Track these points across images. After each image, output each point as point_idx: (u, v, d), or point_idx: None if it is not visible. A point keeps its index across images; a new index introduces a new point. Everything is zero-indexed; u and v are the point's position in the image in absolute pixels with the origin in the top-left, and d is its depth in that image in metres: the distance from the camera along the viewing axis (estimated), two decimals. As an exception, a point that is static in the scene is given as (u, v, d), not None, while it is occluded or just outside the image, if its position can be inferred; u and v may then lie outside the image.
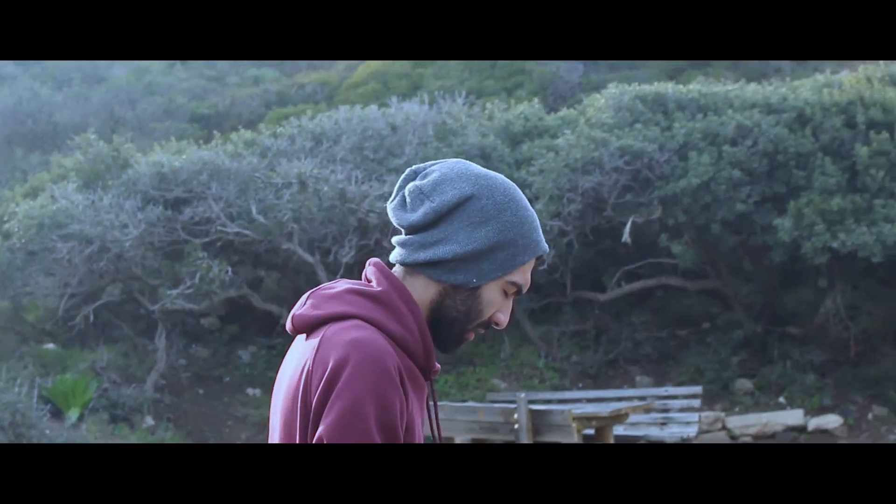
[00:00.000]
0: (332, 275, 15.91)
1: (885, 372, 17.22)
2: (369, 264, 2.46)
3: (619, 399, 15.79)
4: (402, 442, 2.26)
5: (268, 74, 33.07)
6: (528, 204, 2.45)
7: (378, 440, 2.21)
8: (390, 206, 2.47)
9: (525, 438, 13.14)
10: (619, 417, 14.23)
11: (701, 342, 18.33)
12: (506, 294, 2.42)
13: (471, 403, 14.62)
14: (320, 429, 2.22)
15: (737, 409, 17.28)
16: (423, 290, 2.40)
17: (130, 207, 15.43)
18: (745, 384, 17.62)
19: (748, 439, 16.66)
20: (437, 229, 2.38)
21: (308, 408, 2.27)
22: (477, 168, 2.42)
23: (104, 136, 27.80)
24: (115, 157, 16.52)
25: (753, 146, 16.39)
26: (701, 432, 16.64)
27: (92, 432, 15.06)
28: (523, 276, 2.43)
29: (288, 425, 2.32)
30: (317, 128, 17.54)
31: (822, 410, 16.98)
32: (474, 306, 2.39)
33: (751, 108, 16.91)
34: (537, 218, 2.46)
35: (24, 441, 13.65)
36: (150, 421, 16.18)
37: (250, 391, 17.66)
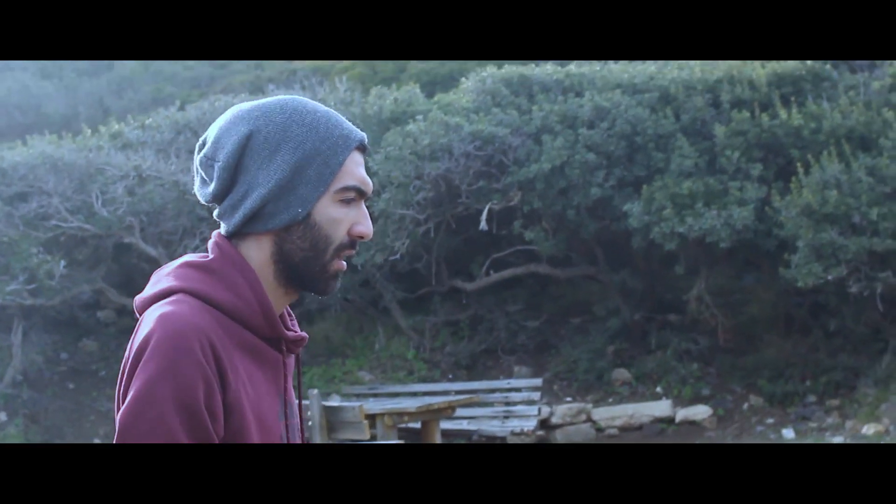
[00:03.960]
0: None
1: (765, 361, 16.51)
2: (211, 237, 2.24)
3: (460, 392, 15.36)
4: (209, 423, 2.02)
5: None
6: (320, 107, 2.20)
7: (175, 422, 1.98)
8: (196, 190, 2.25)
9: (318, 436, 12.83)
10: (439, 412, 13.82)
11: (582, 331, 17.76)
12: (347, 203, 2.18)
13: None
14: (118, 415, 2.02)
15: (610, 400, 16.72)
16: (258, 250, 2.17)
17: (-31, 203, 15.43)
18: (622, 374, 17.05)
19: (614, 431, 16.11)
20: (238, 184, 2.15)
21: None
22: (252, 103, 2.18)
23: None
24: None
25: (611, 128, 15.79)
26: (564, 424, 16.14)
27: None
28: (352, 176, 2.18)
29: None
30: (182, 119, 17.33)
31: (697, 400, 16.34)
32: (317, 235, 2.16)
33: (614, 88, 16.29)
34: (336, 114, 2.21)
35: None
36: (2, 417, 16.15)
37: (123, 386, 17.50)
